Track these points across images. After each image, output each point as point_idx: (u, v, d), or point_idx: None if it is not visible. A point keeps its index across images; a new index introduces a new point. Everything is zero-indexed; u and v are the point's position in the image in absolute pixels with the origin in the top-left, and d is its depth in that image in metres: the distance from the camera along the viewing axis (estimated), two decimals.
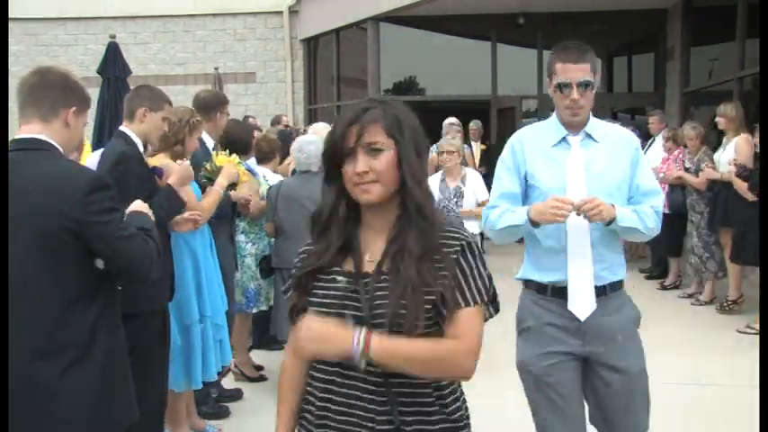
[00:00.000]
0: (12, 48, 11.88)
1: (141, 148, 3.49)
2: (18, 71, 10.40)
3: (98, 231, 2.25)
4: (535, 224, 2.60)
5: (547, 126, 2.77)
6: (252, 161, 5.23)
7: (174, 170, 3.43)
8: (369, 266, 1.65)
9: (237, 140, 4.79)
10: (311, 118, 12.52)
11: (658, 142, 7.96)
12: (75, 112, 2.39)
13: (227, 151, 4.32)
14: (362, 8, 11.41)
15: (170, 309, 3.51)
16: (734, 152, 6.36)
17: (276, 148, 5.60)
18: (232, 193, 4.22)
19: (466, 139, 9.36)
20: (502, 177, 2.80)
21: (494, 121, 11.77)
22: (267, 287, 5.00)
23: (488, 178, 3.97)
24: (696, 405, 4.53)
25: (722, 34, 9.32)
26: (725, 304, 6.63)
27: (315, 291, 1.68)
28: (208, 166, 4.04)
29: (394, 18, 11.62)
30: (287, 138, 6.43)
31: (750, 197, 6.00)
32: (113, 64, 7.26)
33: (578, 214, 2.52)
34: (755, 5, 7.62)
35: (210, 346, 3.82)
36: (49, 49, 13.12)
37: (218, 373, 4.13)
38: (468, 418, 1.75)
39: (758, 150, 5.96)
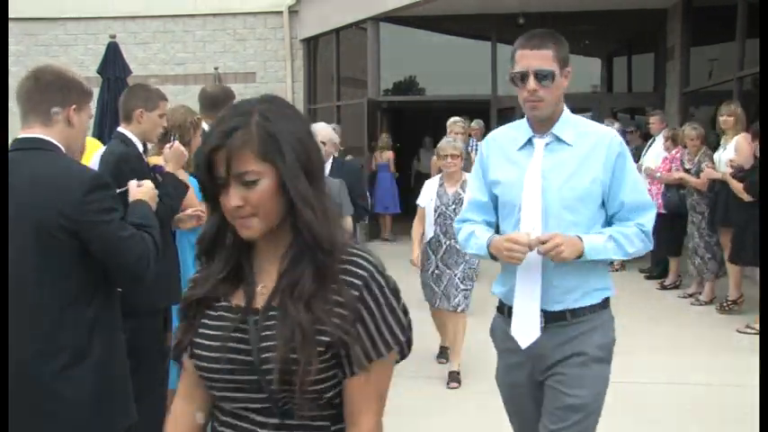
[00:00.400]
0: (12, 48, 11.88)
1: (141, 149, 3.49)
2: (18, 71, 10.40)
3: (97, 231, 2.24)
4: (495, 258, 2.41)
5: (518, 126, 2.50)
6: None
7: (167, 155, 3.42)
8: (261, 300, 1.41)
9: None
10: (311, 118, 12.52)
11: (659, 142, 7.96)
12: (75, 110, 2.39)
13: None
14: (362, 8, 11.41)
15: (172, 308, 3.51)
16: (734, 151, 6.37)
17: None
18: None
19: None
20: (472, 185, 2.62)
21: (494, 122, 11.76)
22: None
23: None
24: (696, 405, 4.53)
25: (722, 34, 9.32)
26: (725, 304, 6.63)
27: (201, 327, 1.44)
28: None
29: (394, 18, 11.62)
30: None
31: (746, 197, 6.01)
32: (113, 64, 7.25)
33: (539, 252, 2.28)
34: (755, 5, 7.62)
35: None
36: (49, 49, 13.12)
37: None
38: None
39: (757, 154, 5.96)
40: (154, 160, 3.56)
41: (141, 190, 2.74)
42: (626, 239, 2.36)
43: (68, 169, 2.30)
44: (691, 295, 7.22)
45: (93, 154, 4.04)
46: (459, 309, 4.82)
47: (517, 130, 2.47)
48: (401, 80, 14.12)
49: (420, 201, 5.06)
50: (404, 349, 1.45)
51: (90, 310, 2.26)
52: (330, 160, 5.18)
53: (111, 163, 3.25)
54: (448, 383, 4.84)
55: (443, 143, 5.11)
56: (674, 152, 7.45)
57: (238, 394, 1.40)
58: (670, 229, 7.55)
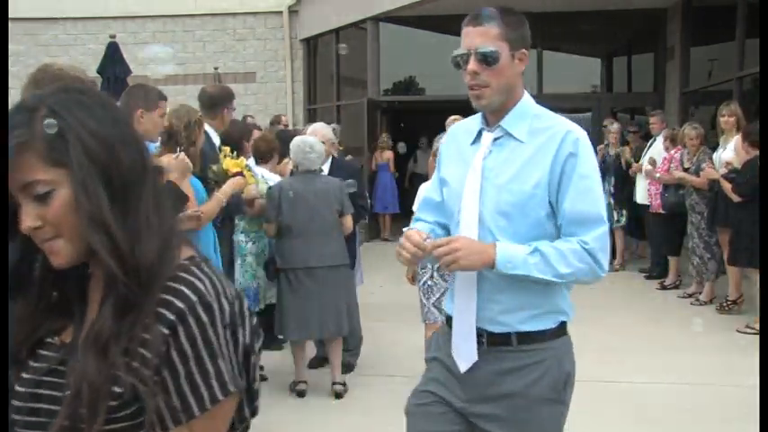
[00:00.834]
0: (12, 48, 11.85)
1: None
2: (18, 71, 10.43)
3: None
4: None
5: (476, 117, 2.16)
6: (250, 161, 5.22)
7: (173, 166, 3.42)
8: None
9: (229, 142, 4.70)
10: (311, 118, 12.51)
11: (659, 142, 7.97)
12: None
13: (235, 153, 4.28)
14: (362, 8, 11.41)
15: None
16: (733, 151, 6.37)
17: (275, 148, 5.59)
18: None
19: None
20: (431, 182, 2.32)
21: None
22: (266, 287, 5.01)
23: None
24: (696, 405, 4.53)
25: (722, 34, 9.32)
26: (725, 304, 6.63)
27: (26, 368, 1.14)
28: (215, 167, 4.04)
29: (394, 18, 11.62)
30: (287, 138, 6.42)
31: (735, 198, 6.05)
32: (113, 64, 7.27)
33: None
34: (755, 5, 7.61)
35: None
36: (49, 49, 13.12)
37: None
38: None
39: (747, 155, 5.99)
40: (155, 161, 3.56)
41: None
42: (558, 257, 1.92)
43: None
44: (691, 295, 7.22)
45: None
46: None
47: (474, 122, 2.15)
48: (401, 80, 14.12)
49: (416, 206, 5.04)
50: (243, 409, 1.13)
51: None
52: (330, 160, 5.19)
53: None
54: None
55: (436, 143, 5.08)
56: (673, 152, 7.45)
57: None
58: (669, 229, 7.57)
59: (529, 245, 1.94)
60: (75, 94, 1.10)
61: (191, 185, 3.68)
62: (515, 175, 1.98)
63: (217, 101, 4.39)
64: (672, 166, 7.33)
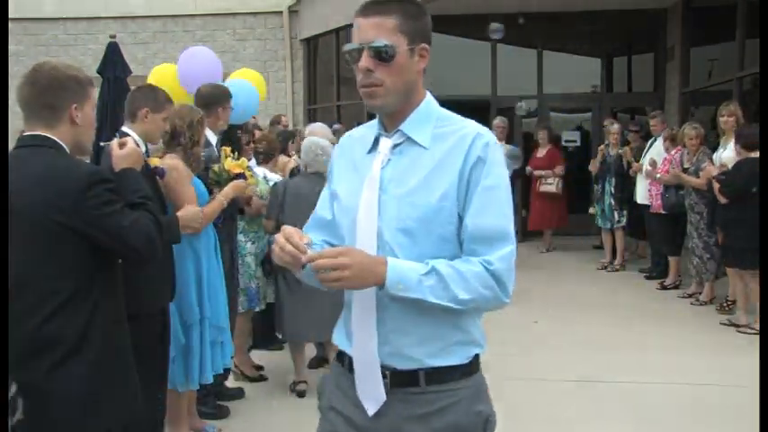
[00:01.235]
0: (12, 48, 11.88)
1: (143, 149, 3.49)
2: (18, 71, 10.37)
3: (100, 225, 2.25)
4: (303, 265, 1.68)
5: (373, 123, 1.90)
6: (251, 161, 5.22)
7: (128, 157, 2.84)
8: None
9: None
10: (311, 118, 12.52)
11: (659, 143, 7.97)
12: (77, 108, 2.38)
13: (236, 154, 4.27)
14: None
15: (173, 308, 3.52)
16: (733, 151, 6.37)
17: (275, 148, 5.60)
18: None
19: None
20: (321, 198, 1.99)
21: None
22: (265, 286, 5.01)
23: None
24: (696, 405, 4.53)
25: (722, 34, 9.33)
26: (725, 304, 6.63)
27: None
28: (216, 167, 4.04)
29: None
30: (287, 138, 6.43)
31: (721, 200, 6.11)
32: (113, 64, 7.28)
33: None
34: (755, 5, 7.61)
35: (208, 348, 3.81)
36: (49, 49, 13.12)
37: (220, 375, 4.13)
38: None
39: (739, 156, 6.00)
40: (155, 161, 3.57)
41: (123, 155, 2.66)
42: (458, 280, 1.66)
43: (68, 166, 2.30)
44: (691, 295, 7.22)
45: None
46: None
47: (370, 128, 1.89)
48: None
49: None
50: None
51: (86, 306, 2.26)
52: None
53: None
54: None
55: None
56: (673, 152, 7.45)
57: None
58: (670, 229, 7.57)
59: (426, 263, 1.67)
60: None
61: (193, 186, 3.69)
62: (419, 185, 1.72)
63: (211, 100, 4.38)
64: (671, 166, 7.33)
